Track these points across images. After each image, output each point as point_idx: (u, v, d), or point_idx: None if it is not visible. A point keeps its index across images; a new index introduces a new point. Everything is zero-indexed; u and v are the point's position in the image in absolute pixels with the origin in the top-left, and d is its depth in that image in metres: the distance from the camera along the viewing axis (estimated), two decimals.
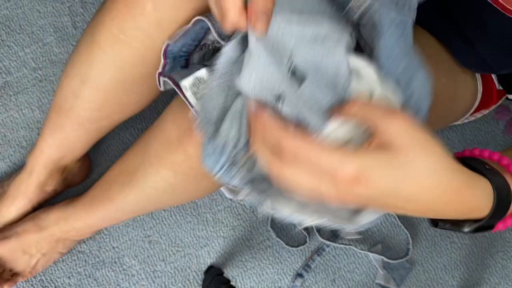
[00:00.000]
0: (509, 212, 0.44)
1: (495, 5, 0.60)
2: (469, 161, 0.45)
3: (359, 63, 0.45)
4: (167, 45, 0.58)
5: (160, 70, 0.60)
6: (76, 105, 0.73)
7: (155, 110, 1.01)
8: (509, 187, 0.44)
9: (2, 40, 0.98)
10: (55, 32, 0.99)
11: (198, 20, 0.56)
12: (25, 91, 0.98)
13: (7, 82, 0.97)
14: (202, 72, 0.54)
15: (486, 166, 0.44)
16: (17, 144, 0.97)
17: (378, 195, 0.37)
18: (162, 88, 0.62)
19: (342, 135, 0.41)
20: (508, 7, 0.58)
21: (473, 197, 0.41)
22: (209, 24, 0.55)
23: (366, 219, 0.44)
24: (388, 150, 0.36)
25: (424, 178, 0.37)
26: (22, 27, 0.99)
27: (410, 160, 0.36)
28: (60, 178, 0.88)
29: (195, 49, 0.60)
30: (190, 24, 0.57)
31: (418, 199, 0.38)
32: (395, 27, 0.46)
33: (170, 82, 0.57)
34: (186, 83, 0.55)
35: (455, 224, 0.46)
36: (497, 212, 0.43)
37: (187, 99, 0.55)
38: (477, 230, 0.45)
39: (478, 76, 0.79)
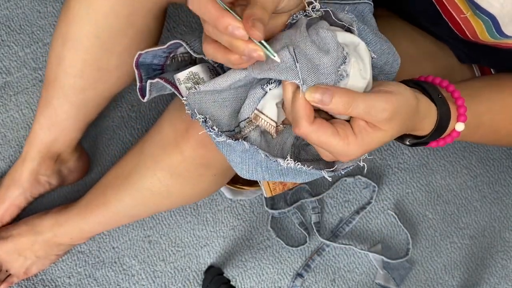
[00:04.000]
0: (443, 135, 0.55)
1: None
2: (425, 86, 0.54)
3: (354, 38, 0.50)
4: (139, 55, 0.59)
5: (138, 83, 0.61)
6: (59, 73, 0.74)
7: (155, 110, 1.01)
8: (450, 115, 0.54)
9: (2, 40, 0.98)
10: None
11: (173, 43, 0.57)
12: (25, 91, 0.98)
13: (7, 82, 0.97)
14: (197, 68, 0.55)
15: (439, 95, 0.54)
16: (17, 144, 0.97)
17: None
18: (147, 98, 0.62)
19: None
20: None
21: (424, 122, 0.53)
22: (185, 46, 0.56)
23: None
24: (380, 130, 0.48)
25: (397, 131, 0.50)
26: (22, 27, 0.99)
27: (395, 133, 0.49)
28: (54, 167, 0.87)
29: (166, 61, 0.61)
30: (164, 46, 0.58)
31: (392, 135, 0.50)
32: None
33: (162, 81, 0.57)
34: (180, 76, 0.55)
35: (400, 137, 0.56)
36: (434, 135, 0.54)
37: (180, 93, 0.55)
38: (414, 144, 0.56)
39: (477, 71, 0.79)
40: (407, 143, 0.56)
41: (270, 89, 0.51)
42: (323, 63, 0.47)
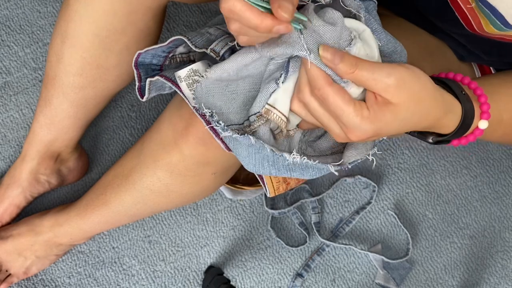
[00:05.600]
0: (466, 133, 0.54)
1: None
2: (448, 82, 0.53)
3: (359, 25, 0.50)
4: (138, 55, 0.59)
5: (137, 83, 0.61)
6: (59, 71, 0.74)
7: (155, 110, 1.01)
8: (474, 113, 0.52)
9: (2, 40, 0.98)
10: None
11: (174, 39, 0.57)
12: (25, 91, 0.98)
13: (7, 82, 0.97)
14: (198, 65, 0.55)
15: (462, 92, 0.53)
16: (17, 144, 0.97)
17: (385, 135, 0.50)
18: (146, 98, 0.62)
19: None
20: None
21: (448, 118, 0.51)
22: (187, 41, 0.56)
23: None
24: (390, 105, 0.47)
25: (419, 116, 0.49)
26: (22, 27, 0.99)
27: (409, 113, 0.47)
28: (54, 167, 0.87)
29: (165, 61, 0.61)
30: (165, 43, 0.58)
31: (412, 124, 0.49)
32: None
33: (162, 79, 0.57)
34: (181, 73, 0.55)
35: (422, 134, 0.56)
36: (458, 133, 0.53)
37: (181, 91, 0.55)
38: (437, 142, 0.55)
39: (476, 70, 0.79)
40: (430, 140, 0.56)
41: (282, 82, 0.51)
42: (330, 35, 0.48)
